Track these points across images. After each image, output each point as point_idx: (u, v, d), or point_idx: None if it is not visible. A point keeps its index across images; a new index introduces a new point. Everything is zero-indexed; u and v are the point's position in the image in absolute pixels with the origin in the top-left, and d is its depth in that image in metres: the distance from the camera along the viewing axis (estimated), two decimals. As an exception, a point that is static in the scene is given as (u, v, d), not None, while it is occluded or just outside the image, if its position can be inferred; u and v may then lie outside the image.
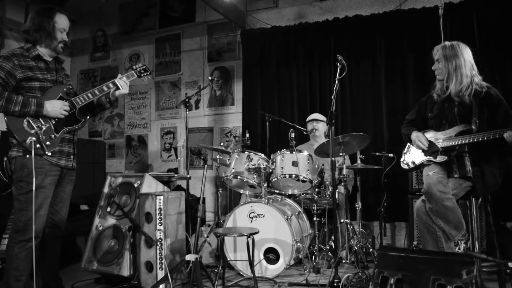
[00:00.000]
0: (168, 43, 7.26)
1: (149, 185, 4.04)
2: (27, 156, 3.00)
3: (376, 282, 2.46)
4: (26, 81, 3.08)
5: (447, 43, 3.56)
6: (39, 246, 3.11)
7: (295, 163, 4.31)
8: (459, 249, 3.46)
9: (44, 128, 3.06)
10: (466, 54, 3.49)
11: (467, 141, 3.29)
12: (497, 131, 3.15)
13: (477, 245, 3.60)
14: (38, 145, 3.01)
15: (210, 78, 5.09)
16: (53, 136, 3.11)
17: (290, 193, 4.62)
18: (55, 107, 3.10)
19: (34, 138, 2.97)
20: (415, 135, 3.66)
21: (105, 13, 7.79)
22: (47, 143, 3.07)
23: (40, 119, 3.08)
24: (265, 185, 4.33)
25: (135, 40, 7.55)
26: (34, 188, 2.92)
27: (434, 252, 2.96)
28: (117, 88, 3.36)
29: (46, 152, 3.06)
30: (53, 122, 3.13)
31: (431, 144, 3.53)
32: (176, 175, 5.00)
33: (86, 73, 7.95)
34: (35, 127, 3.04)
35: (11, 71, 3.02)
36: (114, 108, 7.55)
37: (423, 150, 3.60)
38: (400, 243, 5.41)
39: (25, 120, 3.03)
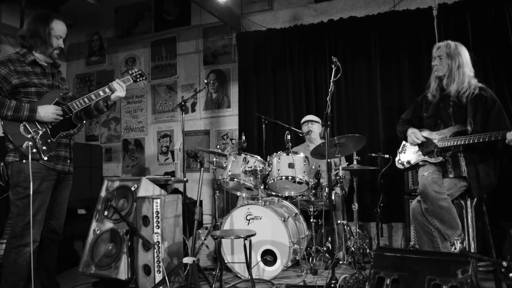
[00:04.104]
0: (164, 47, 7.28)
1: (146, 188, 4.04)
2: (24, 161, 2.99)
3: (372, 282, 2.47)
4: (22, 86, 3.07)
5: (451, 42, 3.57)
6: (36, 250, 3.10)
7: (291, 165, 4.33)
8: (455, 249, 3.47)
9: (40, 132, 3.07)
10: (467, 55, 3.52)
11: (463, 142, 3.30)
12: (493, 133, 3.16)
13: (473, 245, 3.60)
14: (34, 150, 3.01)
15: (206, 81, 5.09)
16: (49, 140, 3.11)
17: (286, 195, 4.65)
18: (48, 112, 3.09)
19: (30, 143, 2.98)
20: (411, 131, 3.66)
21: (100, 17, 7.79)
22: (44, 148, 3.06)
23: (37, 123, 3.08)
24: (262, 187, 4.34)
25: (131, 43, 7.57)
26: (31, 193, 2.92)
27: (430, 252, 2.97)
28: (114, 92, 3.36)
29: (43, 157, 3.05)
30: (50, 127, 3.13)
31: (427, 140, 3.53)
32: (173, 178, 5.00)
33: (82, 77, 7.95)
34: (32, 132, 3.04)
35: (6, 77, 3.01)
36: (111, 112, 7.56)
37: (419, 148, 3.61)
38: (397, 244, 5.43)
39: (21, 125, 3.03)
